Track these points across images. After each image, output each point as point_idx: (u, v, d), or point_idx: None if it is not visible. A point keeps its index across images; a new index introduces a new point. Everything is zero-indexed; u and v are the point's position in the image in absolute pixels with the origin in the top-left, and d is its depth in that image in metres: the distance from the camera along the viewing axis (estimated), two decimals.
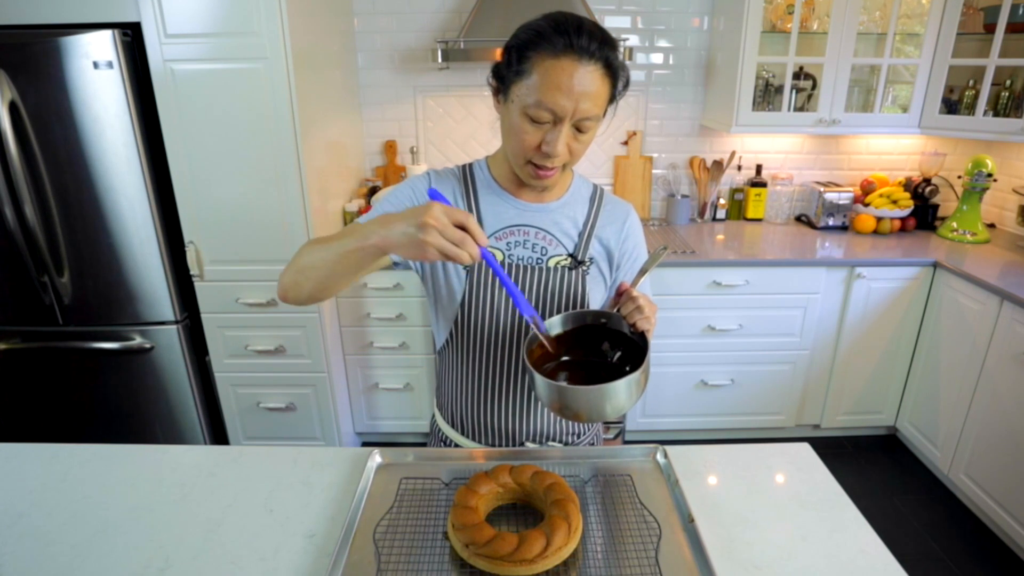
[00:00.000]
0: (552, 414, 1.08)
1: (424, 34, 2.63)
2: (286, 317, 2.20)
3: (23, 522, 0.90)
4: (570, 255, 1.01)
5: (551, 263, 1.00)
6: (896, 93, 2.63)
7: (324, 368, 2.28)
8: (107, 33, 1.83)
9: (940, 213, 2.76)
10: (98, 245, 2.05)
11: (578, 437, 1.13)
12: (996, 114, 2.44)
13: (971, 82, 2.50)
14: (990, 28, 2.31)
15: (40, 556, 0.84)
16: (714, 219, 2.87)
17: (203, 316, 2.20)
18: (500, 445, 1.09)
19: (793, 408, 2.57)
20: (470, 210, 1.00)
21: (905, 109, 2.54)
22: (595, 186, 1.09)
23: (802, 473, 1.01)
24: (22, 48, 1.85)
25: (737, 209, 2.89)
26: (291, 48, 1.89)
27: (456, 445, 1.11)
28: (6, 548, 0.85)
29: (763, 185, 2.80)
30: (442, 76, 2.69)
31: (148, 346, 2.17)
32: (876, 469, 2.51)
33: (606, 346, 0.96)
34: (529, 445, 1.08)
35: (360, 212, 2.44)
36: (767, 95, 2.63)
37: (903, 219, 2.65)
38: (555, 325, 0.95)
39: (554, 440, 1.10)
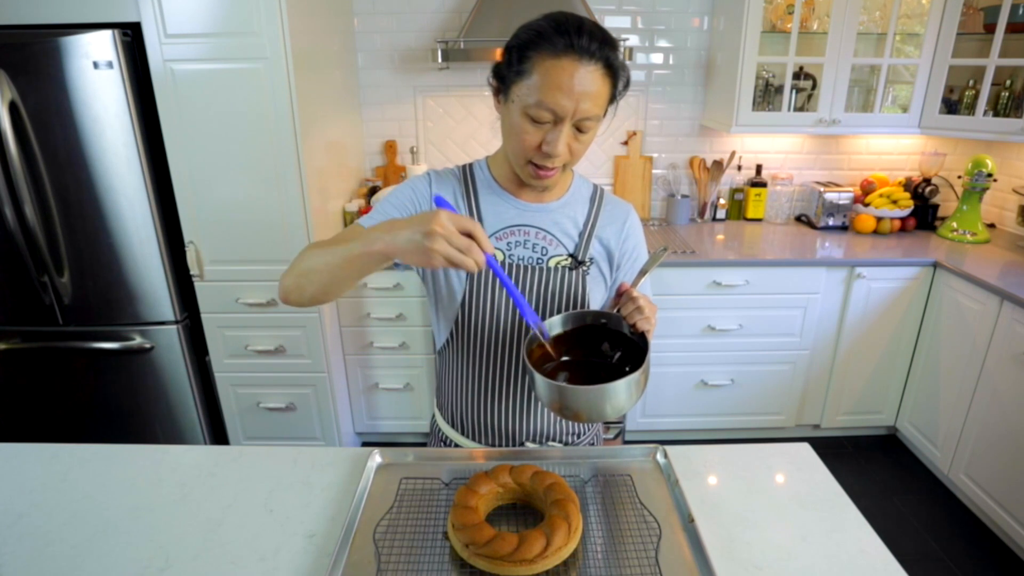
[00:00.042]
0: (552, 414, 1.08)
1: (424, 34, 2.63)
2: (286, 317, 2.20)
3: (23, 522, 0.90)
4: (570, 255, 1.01)
5: (551, 263, 1.00)
6: (896, 93, 2.63)
7: (324, 368, 2.28)
8: (107, 33, 1.83)
9: (940, 213, 2.76)
10: (98, 245, 2.05)
11: (578, 437, 1.13)
12: (996, 114, 2.44)
13: (971, 82, 2.50)
14: (990, 28, 2.31)
15: (40, 556, 0.84)
16: (714, 219, 2.87)
17: (203, 316, 2.20)
18: (500, 445, 1.09)
19: (793, 408, 2.57)
20: (470, 210, 1.00)
21: (905, 109, 2.54)
22: (595, 186, 1.09)
23: (802, 473, 1.01)
24: (22, 48, 1.85)
25: (737, 209, 2.89)
26: (291, 48, 1.89)
27: (456, 445, 1.11)
28: (6, 548, 0.85)
29: (763, 185, 2.80)
30: (442, 76, 2.69)
31: (148, 346, 2.17)
32: (876, 469, 2.51)
33: (606, 346, 0.96)
34: (529, 445, 1.08)
35: (360, 212, 2.44)
36: (767, 95, 2.63)
37: (903, 219, 2.65)
38: (555, 325, 0.95)
39: (554, 440, 1.10)
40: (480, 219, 1.00)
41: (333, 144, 2.36)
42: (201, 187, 2.04)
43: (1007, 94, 2.43)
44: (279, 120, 1.96)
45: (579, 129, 0.88)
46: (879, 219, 2.63)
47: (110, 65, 1.86)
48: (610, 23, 2.64)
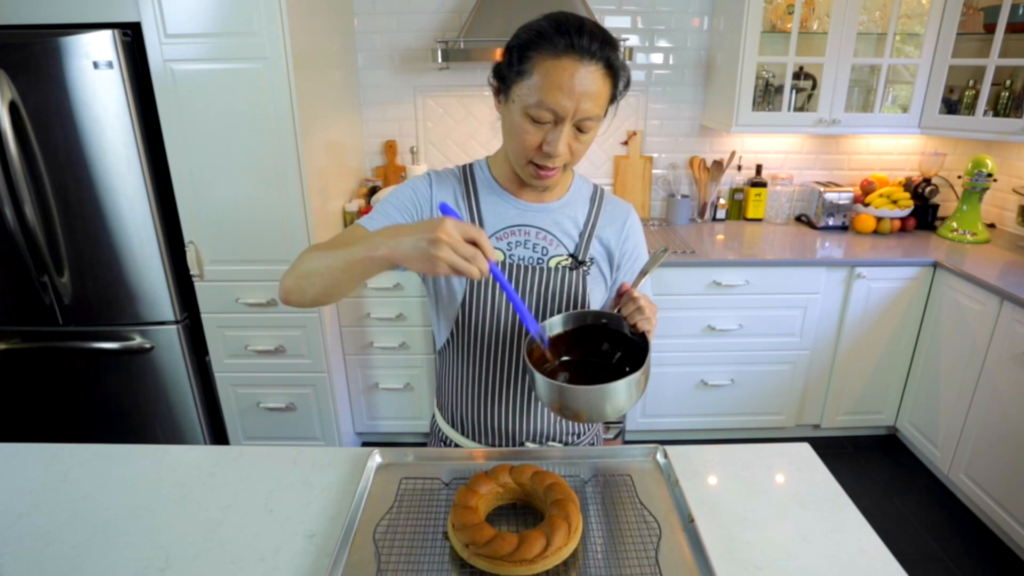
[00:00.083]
0: (552, 414, 1.08)
1: (424, 34, 2.63)
2: (286, 317, 2.20)
3: (23, 522, 0.90)
4: (571, 255, 1.01)
5: (552, 263, 1.00)
6: (896, 93, 2.63)
7: (324, 368, 2.28)
8: (107, 33, 1.83)
9: (940, 213, 2.76)
10: (98, 245, 2.05)
11: (578, 437, 1.13)
12: (996, 114, 2.44)
13: (971, 82, 2.50)
14: (990, 28, 2.31)
15: (40, 556, 0.84)
16: (714, 219, 2.87)
17: (203, 316, 2.20)
18: (500, 445, 1.09)
19: (793, 408, 2.57)
20: (471, 210, 1.00)
21: (905, 109, 2.54)
22: (595, 186, 1.09)
23: (802, 473, 1.01)
24: (22, 48, 1.85)
25: (737, 209, 2.89)
26: (291, 48, 1.89)
27: (456, 445, 1.11)
28: (6, 548, 0.85)
29: (763, 185, 2.80)
30: (442, 76, 2.69)
31: (148, 346, 2.17)
32: (876, 469, 2.51)
33: (606, 346, 0.96)
34: (529, 445, 1.08)
35: (360, 212, 2.44)
36: (767, 95, 2.63)
37: (903, 219, 2.65)
38: (555, 325, 0.95)
39: (554, 440, 1.10)
40: (480, 219, 1.00)
41: (333, 144, 2.36)
42: (201, 187, 2.04)
43: (1007, 94, 2.43)
44: (279, 120, 1.96)
45: (580, 129, 0.88)
46: (879, 219, 2.63)
47: (110, 65, 1.86)
48: (610, 23, 2.64)
